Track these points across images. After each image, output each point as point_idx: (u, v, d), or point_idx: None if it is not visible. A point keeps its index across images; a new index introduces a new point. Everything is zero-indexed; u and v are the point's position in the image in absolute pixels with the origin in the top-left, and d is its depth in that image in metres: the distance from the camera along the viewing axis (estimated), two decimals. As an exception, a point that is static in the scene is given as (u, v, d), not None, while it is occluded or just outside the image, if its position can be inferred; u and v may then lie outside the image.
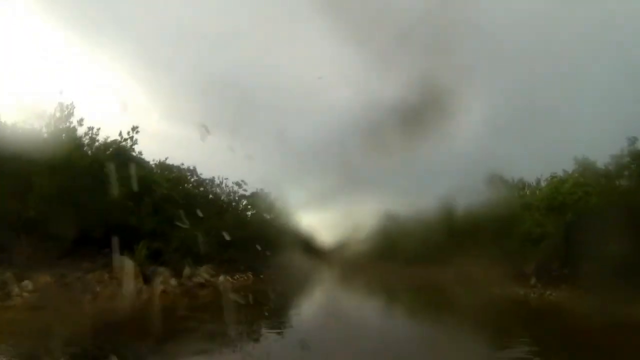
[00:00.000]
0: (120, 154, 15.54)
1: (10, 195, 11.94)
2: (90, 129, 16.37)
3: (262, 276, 19.90)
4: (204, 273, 13.69)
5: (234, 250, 18.32)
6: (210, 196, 22.34)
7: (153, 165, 19.11)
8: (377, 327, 10.59)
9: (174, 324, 9.78)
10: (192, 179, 21.99)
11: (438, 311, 13.10)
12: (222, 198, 22.99)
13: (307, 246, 31.81)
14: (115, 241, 10.65)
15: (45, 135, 14.84)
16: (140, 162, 15.79)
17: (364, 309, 14.11)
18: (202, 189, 22.27)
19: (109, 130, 16.80)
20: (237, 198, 23.09)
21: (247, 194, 23.77)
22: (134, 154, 17.07)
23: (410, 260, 24.83)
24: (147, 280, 11.26)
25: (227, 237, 13.05)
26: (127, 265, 11.12)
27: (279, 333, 9.87)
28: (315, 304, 16.64)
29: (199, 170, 21.77)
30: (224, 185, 23.00)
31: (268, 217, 20.58)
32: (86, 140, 16.21)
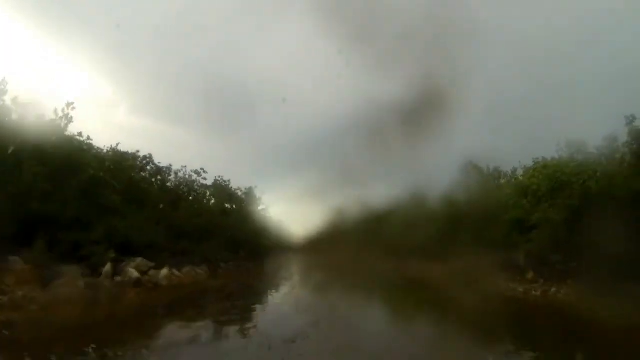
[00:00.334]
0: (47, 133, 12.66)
1: None
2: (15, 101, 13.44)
3: (219, 270, 17.28)
4: (133, 270, 11.07)
5: (188, 242, 15.78)
6: (168, 184, 19.75)
7: (110, 154, 16.44)
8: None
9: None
10: (148, 167, 19.48)
11: (429, 318, 10.88)
12: (182, 187, 20.43)
13: (279, 238, 29.60)
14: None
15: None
16: (72, 143, 12.92)
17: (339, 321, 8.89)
18: (159, 177, 19.85)
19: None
20: (196, 187, 20.55)
21: (208, 183, 21.56)
22: (69, 134, 14.26)
23: (393, 253, 22.97)
24: (46, 284, 8.62)
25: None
26: (17, 268, 8.47)
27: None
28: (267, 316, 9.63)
29: (174, 165, 19.81)
30: (181, 173, 20.49)
31: (229, 206, 18.12)
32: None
